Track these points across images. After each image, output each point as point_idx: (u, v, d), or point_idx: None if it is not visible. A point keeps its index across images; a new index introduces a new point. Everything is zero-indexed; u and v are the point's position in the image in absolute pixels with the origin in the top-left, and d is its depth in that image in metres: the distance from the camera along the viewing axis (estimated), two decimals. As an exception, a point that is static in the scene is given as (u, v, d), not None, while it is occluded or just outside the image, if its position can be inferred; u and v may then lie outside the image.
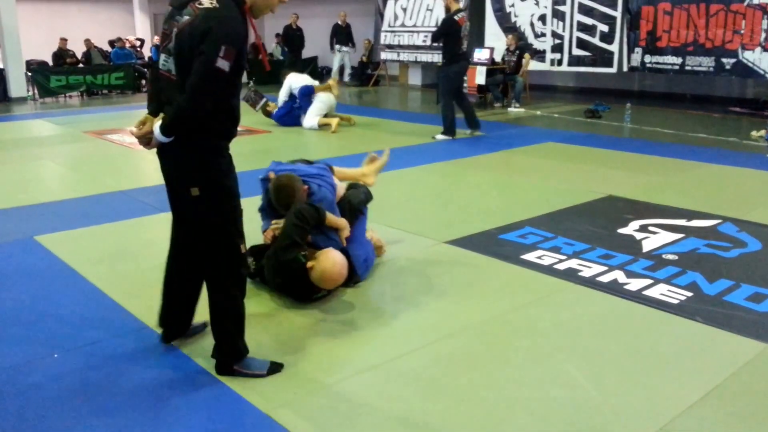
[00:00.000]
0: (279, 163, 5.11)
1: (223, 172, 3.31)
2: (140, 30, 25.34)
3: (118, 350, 3.80)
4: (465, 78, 11.79)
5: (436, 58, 17.92)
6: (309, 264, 4.30)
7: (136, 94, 18.40)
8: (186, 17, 3.16)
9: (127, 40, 21.15)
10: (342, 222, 4.64)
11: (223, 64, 3.03)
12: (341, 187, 5.04)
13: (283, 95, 12.41)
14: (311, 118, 12.04)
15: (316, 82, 12.65)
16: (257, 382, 3.44)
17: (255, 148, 10.33)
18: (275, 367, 3.53)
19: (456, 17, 10.45)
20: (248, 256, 3.98)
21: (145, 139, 3.28)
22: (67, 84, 17.20)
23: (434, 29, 18.27)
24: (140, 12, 25.88)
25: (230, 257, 3.39)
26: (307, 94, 12.12)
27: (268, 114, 12.62)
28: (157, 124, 3.19)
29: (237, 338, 3.48)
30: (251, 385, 3.41)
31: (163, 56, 3.30)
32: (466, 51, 10.96)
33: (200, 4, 3.13)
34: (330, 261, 4.28)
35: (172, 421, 3.12)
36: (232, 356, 3.48)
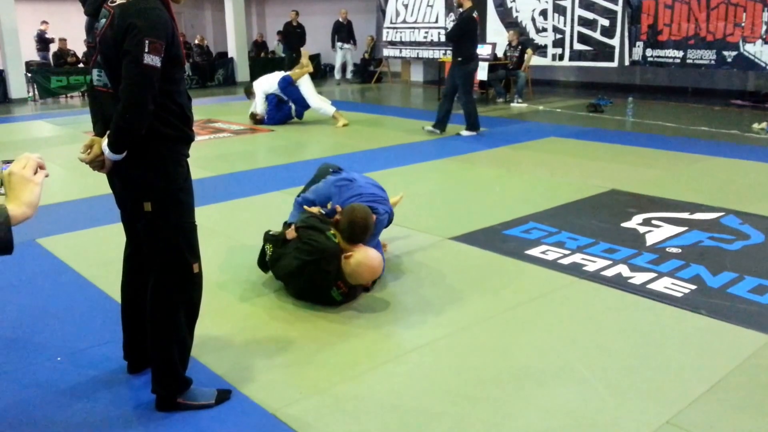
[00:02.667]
0: (338, 175, 4.97)
1: (179, 185, 3.05)
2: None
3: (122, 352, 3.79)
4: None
5: (437, 54, 17.94)
6: (347, 254, 4.26)
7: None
8: (103, 20, 2.92)
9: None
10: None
11: (151, 59, 2.78)
12: None
13: (260, 103, 12.18)
14: (317, 101, 12.06)
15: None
16: (264, 382, 3.45)
17: (256, 147, 10.35)
18: (223, 395, 3.27)
19: (473, 15, 10.44)
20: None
21: (98, 163, 3.02)
22: (67, 84, 17.20)
23: (442, 27, 18.55)
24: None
25: (181, 278, 3.11)
26: (288, 84, 11.98)
27: (260, 121, 12.23)
28: (104, 143, 2.93)
29: (181, 369, 3.18)
30: (257, 385, 3.41)
31: (95, 72, 3.13)
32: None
33: (112, 1, 2.89)
34: (370, 254, 4.26)
35: (177, 421, 3.13)
36: (173, 389, 3.18)
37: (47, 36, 19.19)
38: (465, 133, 10.80)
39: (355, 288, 4.35)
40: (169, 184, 3.02)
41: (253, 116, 12.26)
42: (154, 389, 3.20)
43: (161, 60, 2.82)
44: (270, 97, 12.10)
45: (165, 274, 3.11)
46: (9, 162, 1.98)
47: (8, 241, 1.78)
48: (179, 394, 3.18)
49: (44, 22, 19.04)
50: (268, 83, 12.18)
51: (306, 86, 12.03)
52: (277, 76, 12.21)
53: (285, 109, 12.14)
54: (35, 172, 1.88)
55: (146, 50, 2.76)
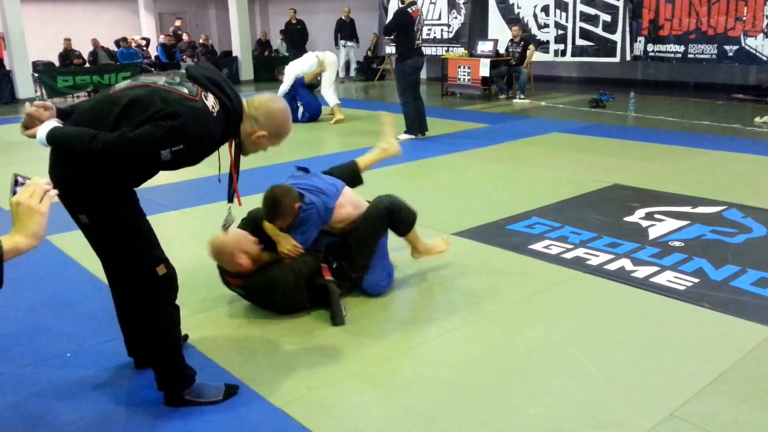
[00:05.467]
0: (296, 171, 4.73)
1: (108, 197, 2.92)
2: (146, 29, 25.36)
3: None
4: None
5: (440, 51, 17.95)
6: None
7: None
8: (184, 90, 2.85)
9: (132, 39, 21.21)
10: (279, 237, 4.24)
11: (166, 156, 2.74)
12: (354, 207, 4.49)
13: (284, 87, 12.05)
14: (327, 88, 12.10)
15: (315, 57, 12.29)
16: (272, 377, 3.48)
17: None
18: (231, 390, 3.28)
19: (409, 9, 9.87)
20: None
21: (29, 122, 2.89)
22: (74, 84, 17.20)
23: (445, 24, 18.55)
24: (145, 11, 25.87)
25: (146, 281, 3.03)
26: (301, 84, 12.07)
27: None
28: (50, 123, 2.82)
29: (174, 366, 3.18)
30: (265, 379, 3.44)
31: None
32: (421, 46, 10.30)
33: (207, 97, 2.87)
34: (219, 236, 4.06)
35: (186, 415, 3.16)
36: (176, 386, 3.20)
37: (71, 49, 19.23)
38: (402, 136, 10.18)
39: (257, 277, 4.13)
40: (98, 199, 2.91)
41: None
42: (158, 387, 3.22)
43: (169, 161, 2.78)
44: (285, 95, 12.13)
45: (132, 282, 3.07)
46: (22, 179, 2.05)
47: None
48: (184, 390, 3.20)
49: (67, 40, 19.11)
50: (299, 66, 12.07)
51: (327, 75, 12.09)
52: (309, 58, 12.19)
53: (293, 108, 12.12)
54: (42, 198, 1.98)
55: (174, 148, 2.73)
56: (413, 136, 10.33)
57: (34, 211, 1.96)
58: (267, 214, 4.23)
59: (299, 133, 11.27)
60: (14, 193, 2.00)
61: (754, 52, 13.02)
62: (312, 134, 11.32)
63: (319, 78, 12.19)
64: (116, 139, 2.71)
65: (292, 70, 12.07)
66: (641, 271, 4.70)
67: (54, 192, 2.03)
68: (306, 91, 12.11)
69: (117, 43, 20.37)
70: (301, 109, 12.17)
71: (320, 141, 10.82)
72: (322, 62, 12.02)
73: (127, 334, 3.50)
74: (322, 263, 4.34)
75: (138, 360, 3.56)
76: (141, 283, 3.04)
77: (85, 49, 19.79)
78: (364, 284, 4.40)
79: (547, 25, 15.99)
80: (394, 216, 4.44)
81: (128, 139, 2.70)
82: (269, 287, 4.13)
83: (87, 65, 18.86)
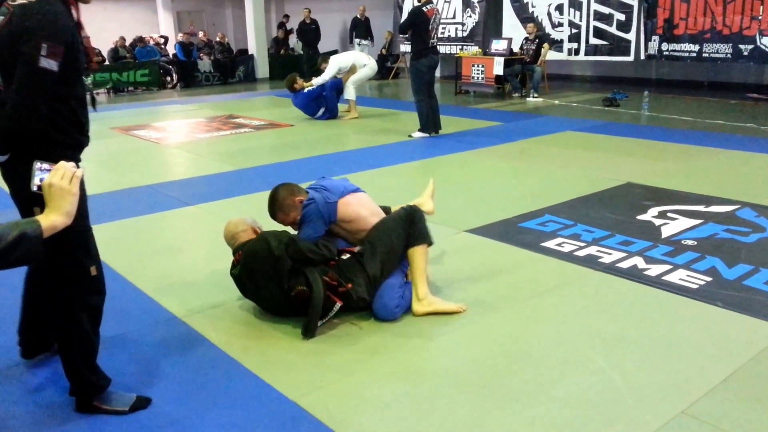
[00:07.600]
0: (322, 179, 4.56)
1: None
2: (164, 28, 25.49)
3: (150, 341, 3.88)
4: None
5: (454, 50, 17.96)
6: None
7: (162, 90, 18.77)
8: (0, 18, 2.79)
9: (150, 37, 21.39)
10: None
11: (48, 63, 2.71)
12: (366, 209, 4.38)
13: (327, 75, 12.14)
14: (351, 84, 12.26)
15: (362, 56, 12.75)
16: (287, 369, 3.52)
17: (277, 142, 10.41)
18: (140, 403, 3.20)
19: (425, 9, 9.90)
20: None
21: None
22: (93, 81, 17.34)
23: (459, 22, 18.55)
24: (163, 10, 25.97)
25: (77, 280, 3.02)
26: (335, 87, 12.22)
27: (295, 90, 12.36)
28: None
29: (88, 373, 3.13)
30: (280, 373, 3.48)
31: None
32: (436, 45, 10.31)
33: (14, 0, 2.78)
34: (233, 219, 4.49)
35: (199, 407, 3.20)
36: (86, 392, 3.15)
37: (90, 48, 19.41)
38: (416, 134, 10.40)
39: (250, 258, 4.06)
40: None
41: (291, 82, 12.40)
42: (70, 392, 3.19)
43: (59, 65, 2.75)
44: (317, 87, 12.29)
45: (62, 279, 3.03)
46: (42, 164, 2.18)
47: (41, 253, 2.11)
48: (93, 397, 3.16)
49: (86, 38, 19.28)
50: (344, 59, 12.35)
51: (361, 73, 12.33)
52: (356, 54, 12.62)
53: (319, 103, 12.31)
54: (71, 180, 2.19)
55: (43, 54, 2.69)
56: (427, 134, 10.38)
57: (66, 192, 2.17)
58: (269, 209, 4.33)
59: (319, 130, 11.35)
60: (40, 180, 2.16)
61: (769, 51, 12.99)
62: (331, 131, 11.35)
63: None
64: (15, 92, 2.74)
65: (336, 62, 12.21)
66: (654, 270, 4.71)
67: (81, 172, 2.23)
68: (333, 93, 12.23)
69: (134, 43, 20.55)
70: (322, 109, 12.31)
71: (339, 137, 10.81)
72: (357, 66, 12.28)
73: (30, 321, 3.51)
74: (332, 280, 4.02)
75: (27, 348, 3.59)
76: (70, 283, 3.03)
77: (104, 47, 19.89)
78: (375, 306, 4.10)
79: (561, 24, 15.97)
80: (415, 219, 4.25)
81: (17, 89, 2.73)
82: (258, 245, 4.07)
83: (106, 63, 18.98)
